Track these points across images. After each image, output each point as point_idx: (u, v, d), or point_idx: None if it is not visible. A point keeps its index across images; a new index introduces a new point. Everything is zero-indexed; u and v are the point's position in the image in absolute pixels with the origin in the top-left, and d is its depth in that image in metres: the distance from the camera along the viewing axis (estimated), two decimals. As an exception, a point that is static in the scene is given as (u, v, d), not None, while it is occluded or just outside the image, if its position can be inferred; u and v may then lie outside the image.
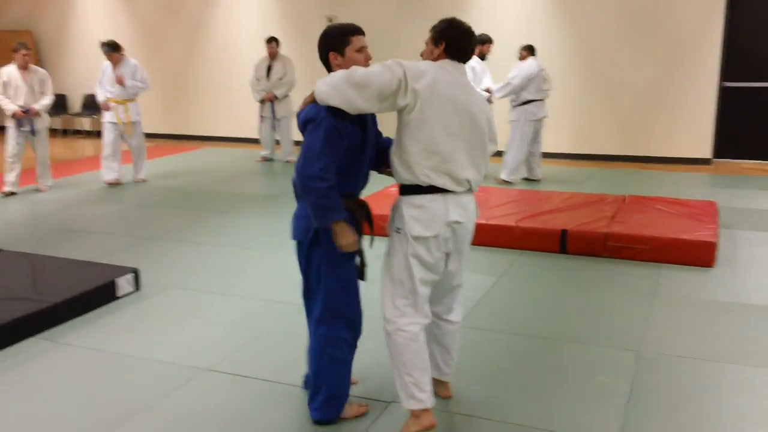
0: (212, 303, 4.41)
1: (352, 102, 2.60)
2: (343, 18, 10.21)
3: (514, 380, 3.34)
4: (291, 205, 2.93)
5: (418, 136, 2.66)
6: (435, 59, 2.78)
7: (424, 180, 2.69)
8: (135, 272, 4.58)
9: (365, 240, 2.97)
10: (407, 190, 2.76)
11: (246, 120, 11.03)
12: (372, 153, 2.89)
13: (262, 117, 9.60)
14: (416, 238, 2.72)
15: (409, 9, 10.03)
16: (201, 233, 6.05)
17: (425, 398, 2.78)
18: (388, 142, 2.94)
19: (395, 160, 2.76)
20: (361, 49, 2.77)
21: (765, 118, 9.02)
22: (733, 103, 9.07)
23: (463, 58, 2.80)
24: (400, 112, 2.68)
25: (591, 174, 8.53)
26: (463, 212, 2.77)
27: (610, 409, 3.06)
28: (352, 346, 2.93)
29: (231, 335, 3.89)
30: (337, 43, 2.76)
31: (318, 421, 2.94)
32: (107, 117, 8.05)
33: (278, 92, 9.34)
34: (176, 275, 4.92)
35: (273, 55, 9.37)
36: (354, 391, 3.19)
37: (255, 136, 9.99)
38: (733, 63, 8.97)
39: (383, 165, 2.95)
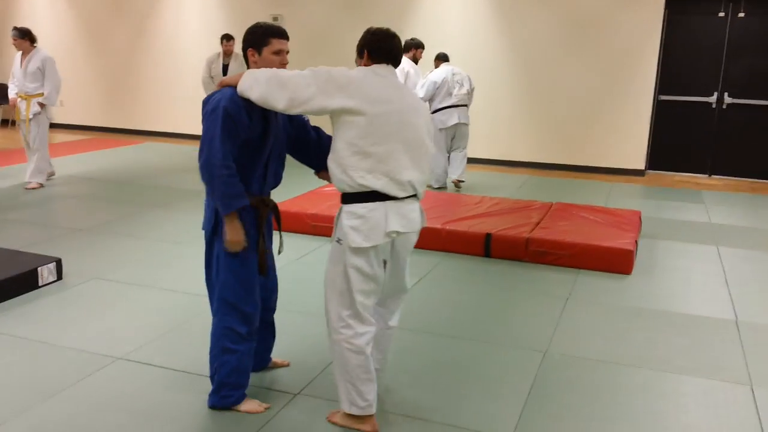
0: (134, 295, 4.41)
1: (267, 99, 2.66)
2: (289, 18, 10.28)
3: (421, 377, 3.44)
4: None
5: (349, 138, 2.65)
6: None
7: (360, 182, 2.65)
8: (57, 262, 4.56)
9: (276, 237, 3.02)
10: (347, 198, 2.73)
11: (190, 115, 10.96)
12: (280, 153, 2.94)
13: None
14: (355, 250, 2.70)
15: (354, 10, 10.12)
16: (132, 226, 6.02)
17: (365, 406, 2.83)
18: (329, 140, 2.92)
19: (331, 164, 2.74)
20: (279, 52, 2.83)
21: (697, 132, 9.34)
22: (668, 116, 9.38)
23: (389, 59, 2.77)
24: (332, 115, 2.68)
25: (525, 181, 8.72)
26: (405, 222, 2.75)
27: (509, 406, 3.18)
28: (247, 339, 2.97)
29: (148, 326, 3.91)
30: (257, 42, 2.83)
31: (211, 407, 3.01)
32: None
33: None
34: (101, 266, 4.90)
35: (228, 53, 9.15)
36: (263, 381, 3.26)
37: (199, 132, 9.90)
38: (668, 77, 9.27)
39: (324, 168, 2.93)
